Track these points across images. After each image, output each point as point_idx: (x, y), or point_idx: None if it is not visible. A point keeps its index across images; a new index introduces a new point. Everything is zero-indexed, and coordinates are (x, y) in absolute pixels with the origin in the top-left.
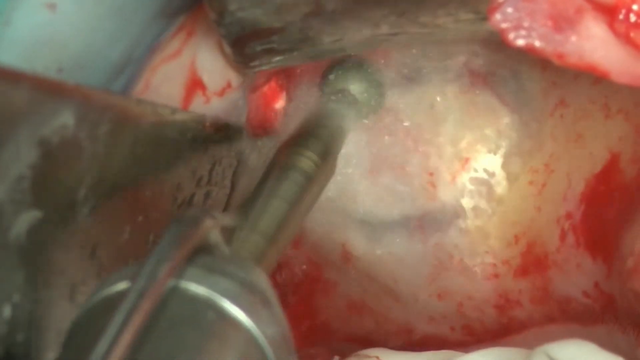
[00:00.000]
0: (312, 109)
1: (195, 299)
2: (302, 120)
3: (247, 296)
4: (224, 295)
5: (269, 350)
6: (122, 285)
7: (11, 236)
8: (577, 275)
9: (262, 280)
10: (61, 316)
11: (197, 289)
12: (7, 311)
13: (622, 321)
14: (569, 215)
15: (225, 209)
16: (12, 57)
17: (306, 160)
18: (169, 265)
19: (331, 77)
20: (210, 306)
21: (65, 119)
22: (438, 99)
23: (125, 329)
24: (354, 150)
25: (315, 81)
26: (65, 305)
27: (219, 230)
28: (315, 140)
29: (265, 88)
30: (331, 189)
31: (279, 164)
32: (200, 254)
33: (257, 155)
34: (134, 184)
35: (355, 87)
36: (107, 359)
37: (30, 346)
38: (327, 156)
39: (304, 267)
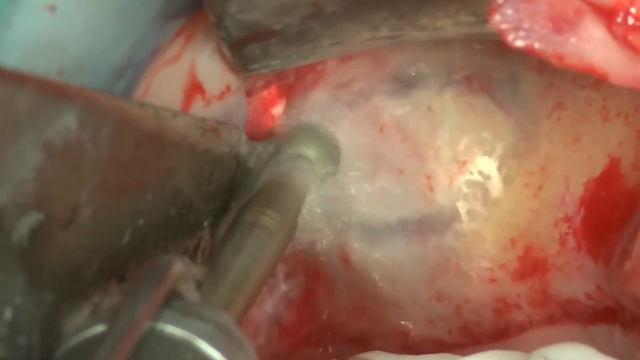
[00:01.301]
0: (273, 169)
1: (173, 341)
2: (263, 181)
3: (223, 338)
4: (201, 337)
5: None
6: (99, 328)
7: (14, 239)
8: (578, 278)
9: (234, 325)
10: (62, 320)
11: (175, 330)
12: (8, 314)
13: (622, 322)
14: (567, 219)
15: (224, 214)
16: (13, 60)
17: (268, 218)
18: (146, 307)
19: (288, 141)
20: (188, 348)
21: (69, 121)
22: (435, 103)
23: None
24: (352, 154)
25: (317, 85)
26: (67, 308)
27: (190, 276)
28: (275, 200)
29: (265, 93)
30: (330, 192)
31: (243, 221)
32: (174, 298)
33: (256, 158)
34: (135, 187)
35: (312, 152)
36: None
37: (31, 349)
38: (288, 214)
39: (303, 270)
